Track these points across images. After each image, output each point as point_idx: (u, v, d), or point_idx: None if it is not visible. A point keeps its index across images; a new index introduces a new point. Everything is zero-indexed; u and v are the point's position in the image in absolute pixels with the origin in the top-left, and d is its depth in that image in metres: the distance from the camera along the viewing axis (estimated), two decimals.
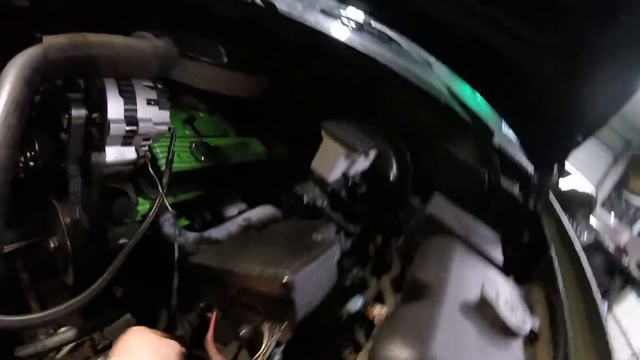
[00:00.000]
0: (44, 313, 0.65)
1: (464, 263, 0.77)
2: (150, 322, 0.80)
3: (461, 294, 0.66)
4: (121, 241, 1.00)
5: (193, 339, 0.92)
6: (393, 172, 1.18)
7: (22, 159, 0.96)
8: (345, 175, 1.08)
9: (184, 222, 1.12)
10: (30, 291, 1.07)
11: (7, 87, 0.74)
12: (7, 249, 1.02)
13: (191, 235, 1.01)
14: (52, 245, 1.03)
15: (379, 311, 0.79)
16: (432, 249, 0.82)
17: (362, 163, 1.09)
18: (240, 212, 1.17)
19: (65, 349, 0.98)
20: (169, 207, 0.96)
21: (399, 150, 1.21)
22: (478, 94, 1.32)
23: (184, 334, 0.94)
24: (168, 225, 1.02)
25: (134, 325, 1.08)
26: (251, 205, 1.22)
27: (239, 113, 1.40)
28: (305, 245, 0.77)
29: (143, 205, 1.05)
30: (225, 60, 1.22)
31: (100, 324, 1.07)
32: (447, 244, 0.83)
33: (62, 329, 0.99)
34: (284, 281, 0.64)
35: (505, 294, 0.67)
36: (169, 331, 0.94)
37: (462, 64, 1.26)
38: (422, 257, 0.79)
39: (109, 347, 0.99)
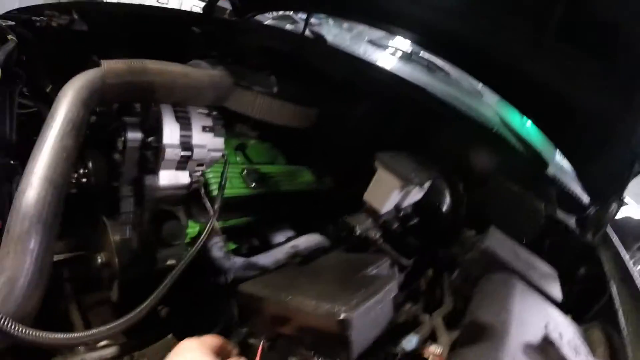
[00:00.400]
0: (92, 332, 0.64)
1: (525, 302, 0.73)
2: None
3: (523, 335, 0.62)
4: (168, 262, 1.00)
5: None
6: (446, 204, 1.14)
7: (75, 175, 0.99)
8: (397, 207, 1.04)
9: (232, 246, 1.11)
10: (72, 301, 1.07)
11: (65, 108, 0.76)
12: (54, 258, 1.04)
13: (238, 260, 1.00)
14: (99, 260, 1.04)
15: (434, 350, 0.73)
16: (491, 287, 0.78)
17: (416, 195, 1.05)
18: (288, 240, 1.15)
19: None
20: (219, 231, 0.96)
21: (451, 181, 1.17)
22: (531, 123, 1.27)
23: None
24: (216, 249, 1.02)
25: (175, 347, 1.07)
26: (298, 234, 1.20)
27: (288, 142, 1.41)
28: (360, 280, 0.73)
29: (192, 229, 1.06)
30: (276, 91, 1.23)
31: (141, 343, 1.07)
32: (506, 281, 0.79)
33: (102, 344, 0.98)
34: (341, 318, 0.60)
35: (568, 335, 0.64)
36: None
37: (514, 93, 1.22)
38: (481, 296, 0.76)
39: None
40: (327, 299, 0.65)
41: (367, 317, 0.65)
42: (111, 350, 0.91)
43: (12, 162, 1.10)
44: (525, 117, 1.44)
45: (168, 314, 1.09)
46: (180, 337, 1.07)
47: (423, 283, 1.02)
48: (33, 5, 1.39)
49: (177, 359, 0.60)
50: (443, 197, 1.14)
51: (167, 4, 4.05)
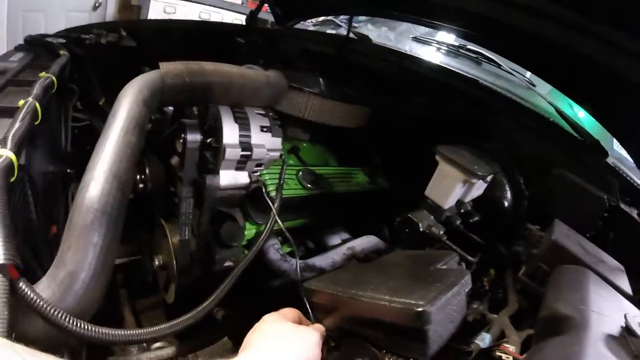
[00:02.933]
0: (150, 329, 0.63)
1: (600, 293, 0.69)
2: None
3: (603, 326, 0.59)
4: (226, 264, 1.00)
5: None
6: (507, 199, 1.09)
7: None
8: (459, 203, 1.00)
9: (287, 248, 1.11)
10: (126, 305, 1.10)
11: (127, 106, 0.77)
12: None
13: (294, 262, 0.99)
14: (156, 263, 1.06)
15: (509, 349, 0.69)
16: (565, 280, 0.74)
17: (478, 189, 1.01)
18: (343, 242, 1.14)
19: None
20: (286, 233, 0.96)
21: (512, 175, 1.11)
22: (586, 112, 1.20)
23: None
24: (273, 251, 1.02)
25: (230, 350, 1.07)
26: (354, 235, 1.18)
27: (341, 144, 1.40)
28: (432, 275, 0.70)
29: (249, 230, 1.06)
30: (326, 91, 1.23)
31: (196, 345, 1.07)
32: (580, 274, 0.75)
33: (156, 345, 0.98)
34: (419, 311, 0.57)
35: None
36: None
37: (568, 81, 1.16)
38: (556, 289, 0.72)
39: None
40: (401, 293, 0.63)
41: (444, 311, 0.62)
42: (165, 352, 0.91)
43: (68, 170, 1.16)
44: (578, 108, 1.38)
45: (223, 317, 1.09)
46: (235, 340, 1.08)
47: (486, 282, 0.98)
48: (82, 25, 1.48)
49: (260, 326, 0.63)
50: (504, 192, 1.09)
51: (209, 18, 4.19)
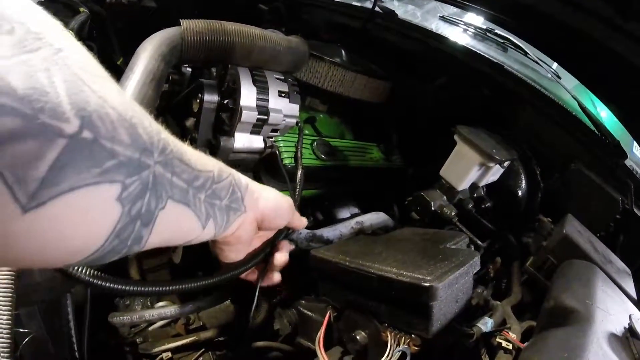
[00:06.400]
0: (178, 286, 0.63)
1: (606, 293, 0.69)
2: (249, 312, 0.77)
3: (608, 324, 0.59)
4: None
5: (289, 335, 0.89)
6: (522, 189, 1.07)
7: None
8: (473, 187, 0.99)
9: None
10: (133, 263, 1.10)
11: (144, 60, 0.76)
12: None
13: (303, 232, 0.99)
14: None
15: (510, 336, 0.69)
16: (574, 273, 0.74)
17: (493, 175, 0.99)
18: (353, 216, 1.13)
19: (158, 323, 0.98)
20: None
21: (529, 165, 1.09)
22: (608, 113, 1.17)
23: (280, 329, 0.90)
24: None
25: (232, 312, 1.08)
26: (363, 211, 1.17)
27: (357, 118, 1.38)
28: (442, 253, 0.70)
29: None
30: (347, 62, 1.20)
31: (199, 306, 1.08)
32: (589, 269, 0.75)
33: (161, 304, 0.99)
34: (427, 285, 0.57)
35: None
36: (267, 324, 0.92)
37: (597, 78, 1.12)
38: (564, 281, 0.72)
39: (202, 328, 0.98)
40: (409, 267, 0.63)
41: (451, 289, 0.62)
42: (169, 310, 0.92)
43: None
44: (601, 107, 1.34)
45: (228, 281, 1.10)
46: (237, 304, 1.09)
47: (492, 270, 0.97)
48: None
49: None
50: (520, 181, 1.07)
51: None
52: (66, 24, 1.02)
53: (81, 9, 1.17)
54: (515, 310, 0.79)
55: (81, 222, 0.28)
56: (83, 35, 1.12)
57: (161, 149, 0.34)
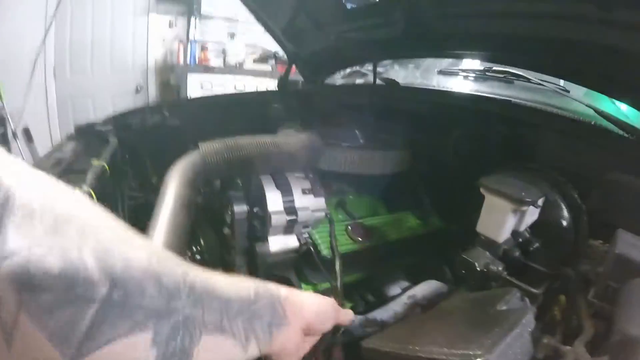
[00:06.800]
0: None
1: None
2: None
3: None
4: None
5: None
6: (565, 218, 1.02)
7: (189, 253, 1.07)
8: (514, 233, 0.96)
9: (347, 305, 1.10)
10: None
11: (173, 190, 0.84)
12: None
13: (356, 318, 0.98)
14: None
15: None
16: (636, 297, 0.68)
17: (531, 215, 0.97)
18: (404, 290, 1.12)
19: None
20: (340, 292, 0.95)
21: (565, 191, 1.05)
22: (629, 107, 1.12)
23: None
24: None
25: None
26: (413, 282, 1.15)
27: (386, 191, 1.40)
28: (492, 318, 0.67)
29: (306, 290, 1.07)
30: (363, 142, 1.26)
31: None
32: None
33: None
34: None
35: None
36: None
37: (601, 79, 1.10)
38: (627, 308, 0.66)
39: None
40: (459, 343, 0.61)
41: (506, 357, 0.59)
42: None
43: None
44: (619, 102, 1.30)
45: None
46: None
47: (557, 311, 0.91)
48: (128, 110, 1.61)
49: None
50: (560, 211, 1.02)
51: (244, 87, 4.48)
52: (98, 155, 1.15)
53: (110, 139, 1.30)
54: (591, 347, 0.73)
55: None
56: (116, 161, 1.24)
57: (189, 290, 0.38)
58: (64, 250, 0.28)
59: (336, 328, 0.73)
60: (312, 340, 0.70)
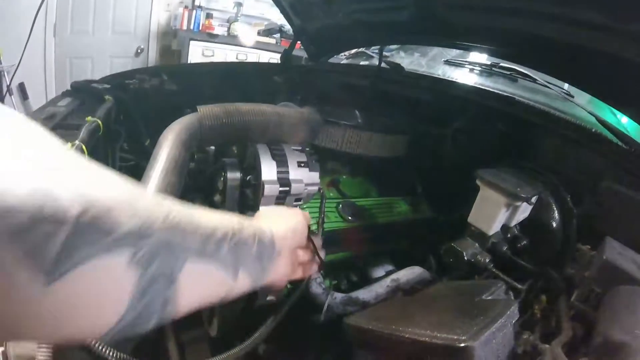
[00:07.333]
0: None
1: None
2: None
3: None
4: (268, 298, 1.01)
5: None
6: (555, 219, 1.03)
7: None
8: (504, 228, 0.96)
9: (330, 282, 1.10)
10: (171, 337, 1.11)
11: (166, 149, 0.83)
12: None
13: (339, 296, 0.98)
14: None
15: None
16: (619, 302, 0.70)
17: (523, 212, 0.97)
18: (388, 274, 1.12)
19: None
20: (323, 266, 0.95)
21: (558, 194, 1.05)
22: (628, 120, 1.12)
23: None
24: (316, 285, 1.01)
25: None
26: (398, 267, 1.16)
27: (380, 174, 1.40)
28: (477, 306, 0.67)
29: None
30: (362, 122, 1.24)
31: None
32: (635, 294, 0.70)
33: None
34: (462, 346, 0.55)
35: None
36: None
37: (606, 88, 1.10)
38: (610, 313, 0.67)
39: None
40: (443, 327, 0.61)
41: (489, 345, 0.59)
42: None
43: None
44: (620, 114, 1.30)
45: (265, 352, 1.09)
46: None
47: (537, 310, 0.92)
48: (126, 71, 1.59)
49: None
50: (552, 213, 1.03)
51: (246, 59, 4.40)
52: (93, 112, 1.12)
53: (106, 97, 1.27)
54: (568, 349, 0.74)
55: (101, 288, 0.32)
56: (110, 121, 1.21)
57: (164, 216, 0.38)
58: (34, 178, 0.28)
59: None
60: (296, 261, 0.71)
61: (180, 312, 0.40)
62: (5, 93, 3.29)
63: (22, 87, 3.49)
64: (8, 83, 3.25)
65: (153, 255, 0.35)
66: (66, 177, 0.30)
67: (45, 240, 0.27)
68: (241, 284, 0.50)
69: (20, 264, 0.27)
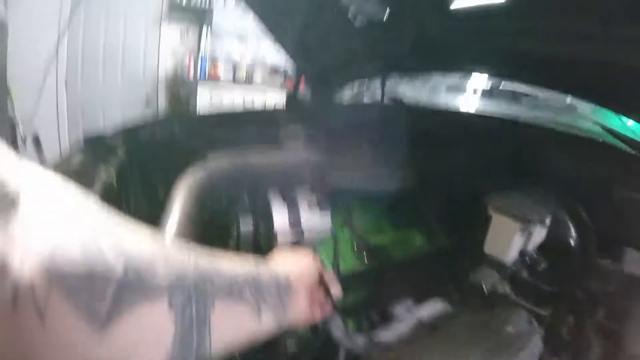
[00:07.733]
0: None
1: None
2: None
3: None
4: (291, 350, 1.00)
5: None
6: (573, 237, 1.00)
7: None
8: (522, 253, 0.94)
9: (351, 325, 1.08)
10: None
11: (179, 204, 0.85)
12: None
13: (360, 339, 0.96)
14: None
15: None
16: None
17: (539, 235, 0.95)
18: (409, 310, 1.09)
19: None
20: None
21: (573, 210, 1.03)
22: (634, 122, 1.11)
23: None
24: (336, 329, 1.00)
25: None
26: (419, 302, 1.13)
27: (393, 208, 1.39)
28: (500, 341, 0.66)
29: None
30: (370, 160, 1.26)
31: None
32: None
33: None
34: None
35: None
36: None
37: (608, 95, 1.10)
38: (635, 329, 0.69)
39: None
40: None
41: None
42: None
43: None
44: (625, 118, 1.29)
45: None
46: None
47: (565, 332, 0.89)
48: (138, 123, 1.58)
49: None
50: (568, 231, 1.01)
51: (253, 99, 4.53)
52: (106, 168, 1.14)
53: (119, 152, 1.30)
54: None
55: (147, 332, 0.36)
56: (124, 174, 1.24)
57: (194, 266, 0.42)
58: (83, 241, 0.32)
59: None
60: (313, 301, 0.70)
61: (214, 351, 0.44)
62: (20, 143, 3.38)
63: (36, 140, 3.59)
64: (23, 134, 3.36)
65: (188, 299, 0.40)
66: (109, 235, 0.35)
67: (99, 296, 0.32)
68: (266, 323, 0.53)
69: (78, 319, 0.31)
